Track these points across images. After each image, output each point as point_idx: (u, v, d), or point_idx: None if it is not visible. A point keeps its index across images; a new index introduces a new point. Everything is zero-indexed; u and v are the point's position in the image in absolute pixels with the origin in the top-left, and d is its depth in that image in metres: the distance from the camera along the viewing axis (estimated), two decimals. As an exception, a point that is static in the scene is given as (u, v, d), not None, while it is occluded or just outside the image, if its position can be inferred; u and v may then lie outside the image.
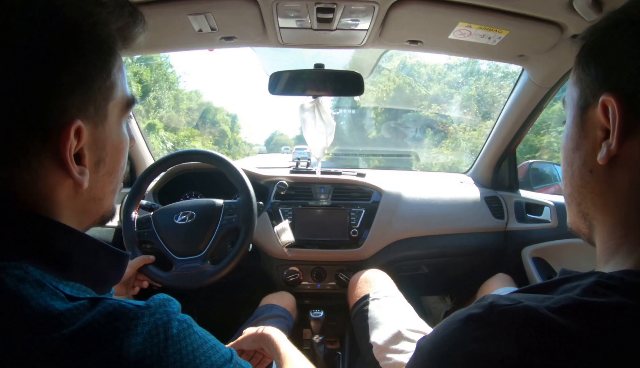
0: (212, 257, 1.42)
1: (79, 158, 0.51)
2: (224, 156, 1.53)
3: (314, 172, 1.85)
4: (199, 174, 1.85)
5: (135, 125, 1.89)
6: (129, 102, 0.59)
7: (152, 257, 1.40)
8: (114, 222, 1.67)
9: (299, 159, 2.00)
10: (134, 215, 1.47)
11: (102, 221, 0.61)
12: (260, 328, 1.01)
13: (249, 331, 1.03)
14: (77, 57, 0.49)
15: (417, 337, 1.14)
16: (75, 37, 0.49)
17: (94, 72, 0.51)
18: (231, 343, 1.03)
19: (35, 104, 0.46)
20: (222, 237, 1.43)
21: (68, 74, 0.48)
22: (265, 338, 0.97)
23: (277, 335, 0.97)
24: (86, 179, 0.52)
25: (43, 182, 0.48)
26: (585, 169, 0.52)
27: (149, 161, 2.01)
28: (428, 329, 1.20)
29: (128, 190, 1.53)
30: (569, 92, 0.57)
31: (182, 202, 1.52)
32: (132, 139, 0.63)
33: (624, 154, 0.46)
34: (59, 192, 0.50)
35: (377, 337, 1.19)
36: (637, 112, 0.45)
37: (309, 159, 1.99)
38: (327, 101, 1.70)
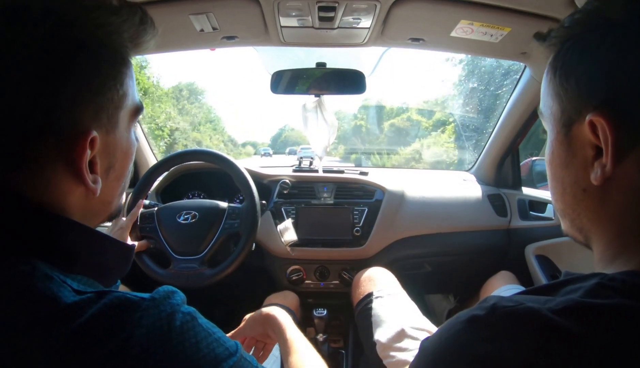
0: (211, 259, 1.43)
1: (91, 165, 0.52)
2: (228, 156, 1.53)
3: (328, 171, 1.85)
4: (202, 174, 1.85)
5: (137, 125, 1.89)
6: (138, 109, 0.60)
7: (144, 242, 1.43)
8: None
9: (302, 158, 2.00)
10: (142, 201, 1.47)
11: (109, 219, 0.62)
12: (264, 310, 0.99)
13: (252, 314, 1.01)
14: (92, 68, 0.50)
15: (421, 335, 1.14)
16: (90, 49, 0.50)
17: (108, 83, 0.52)
18: (233, 331, 1.02)
19: (50, 114, 0.47)
20: (223, 240, 1.44)
21: (83, 84, 0.49)
22: (270, 320, 0.95)
23: (283, 318, 0.95)
24: (99, 187, 0.53)
25: (55, 188, 0.50)
26: (578, 187, 0.50)
27: (152, 160, 2.01)
28: (432, 327, 1.20)
29: (131, 189, 1.53)
30: (546, 102, 0.55)
31: (187, 202, 1.52)
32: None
33: (619, 172, 0.45)
34: (70, 197, 0.52)
35: (381, 334, 1.19)
36: (628, 128, 0.44)
37: (312, 158, 1.99)
38: (329, 101, 1.70)
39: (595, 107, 0.46)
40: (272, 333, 0.96)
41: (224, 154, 1.54)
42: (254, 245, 1.44)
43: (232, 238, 1.46)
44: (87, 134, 0.49)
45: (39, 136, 0.47)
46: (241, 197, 1.48)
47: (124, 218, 1.38)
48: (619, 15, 0.45)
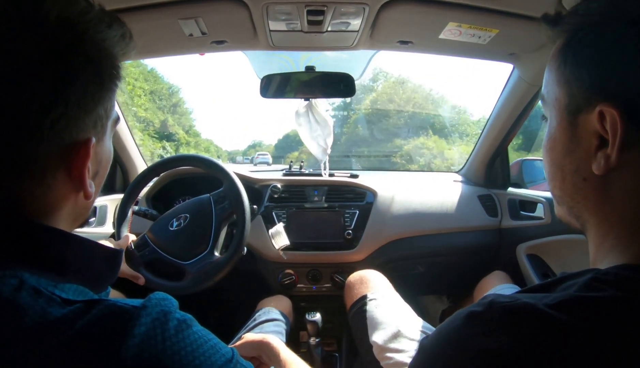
0: (220, 247, 1.41)
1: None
2: (214, 159, 1.52)
3: (318, 174, 1.86)
4: (192, 179, 1.83)
5: (127, 131, 1.87)
6: (118, 118, 0.62)
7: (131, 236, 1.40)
8: (107, 227, 1.66)
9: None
10: (127, 235, 1.44)
11: (83, 224, 0.63)
12: (258, 336, 1.01)
13: (247, 337, 1.02)
14: (97, 80, 0.52)
15: (418, 335, 1.15)
16: (95, 61, 0.52)
17: (107, 94, 0.54)
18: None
19: (57, 123, 0.48)
20: (222, 226, 1.42)
21: (88, 95, 0.51)
22: (264, 347, 0.97)
23: (277, 343, 0.96)
24: (94, 192, 0.55)
25: (53, 194, 0.51)
26: (578, 176, 0.51)
27: (142, 166, 1.99)
28: (427, 328, 1.20)
29: (120, 195, 1.51)
30: (551, 90, 0.54)
31: (173, 209, 1.50)
32: None
33: (622, 163, 0.45)
34: (64, 203, 0.53)
35: (378, 336, 1.19)
36: (637, 121, 0.44)
37: (302, 162, 1.99)
38: (321, 101, 1.70)
39: (607, 98, 0.46)
40: (266, 359, 0.97)
41: (209, 157, 1.52)
42: (245, 249, 1.43)
43: (228, 219, 1.44)
44: (88, 142, 0.51)
45: (44, 145, 0.48)
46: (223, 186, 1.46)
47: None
48: (638, 11, 0.45)
